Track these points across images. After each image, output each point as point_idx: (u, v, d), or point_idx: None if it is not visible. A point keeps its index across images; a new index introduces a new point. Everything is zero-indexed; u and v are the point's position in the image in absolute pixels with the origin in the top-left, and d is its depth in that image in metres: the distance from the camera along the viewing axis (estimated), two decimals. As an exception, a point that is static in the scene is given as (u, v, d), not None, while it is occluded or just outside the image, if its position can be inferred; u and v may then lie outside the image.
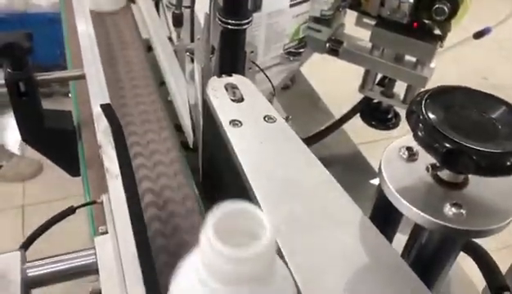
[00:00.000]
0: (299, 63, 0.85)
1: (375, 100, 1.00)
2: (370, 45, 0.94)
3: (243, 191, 0.44)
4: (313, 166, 0.45)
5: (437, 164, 0.38)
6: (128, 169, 0.43)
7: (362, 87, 0.99)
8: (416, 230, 0.40)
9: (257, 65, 0.78)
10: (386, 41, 0.90)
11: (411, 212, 0.37)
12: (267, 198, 0.42)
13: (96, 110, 0.50)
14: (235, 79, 0.54)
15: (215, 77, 0.54)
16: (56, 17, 1.89)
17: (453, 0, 0.81)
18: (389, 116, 1.00)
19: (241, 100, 0.51)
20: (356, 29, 0.99)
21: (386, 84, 0.98)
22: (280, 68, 0.82)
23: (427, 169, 0.39)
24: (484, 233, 0.36)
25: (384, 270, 0.36)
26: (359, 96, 1.01)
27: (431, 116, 0.36)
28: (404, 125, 1.03)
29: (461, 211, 0.36)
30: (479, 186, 0.38)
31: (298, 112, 1.11)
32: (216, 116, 0.50)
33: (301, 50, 0.84)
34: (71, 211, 0.53)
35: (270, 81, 0.77)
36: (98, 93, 0.57)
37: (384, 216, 0.43)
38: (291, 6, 0.77)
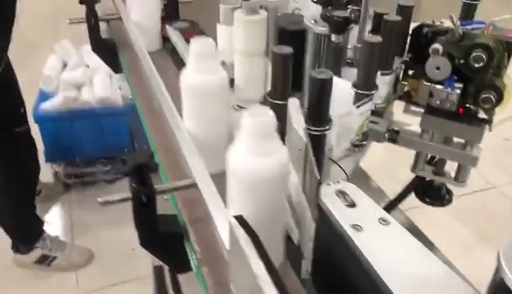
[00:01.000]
0: (362, 154, 0.94)
1: (428, 179, 1.08)
2: (419, 129, 1.04)
3: (374, 289, 0.51)
4: (433, 261, 0.53)
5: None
6: (278, 276, 0.50)
7: (414, 167, 1.07)
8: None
9: (333, 161, 0.87)
10: (435, 126, 0.99)
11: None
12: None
13: (231, 221, 0.57)
14: (343, 185, 0.62)
15: (325, 185, 0.62)
16: (102, 112, 2.04)
17: (497, 89, 0.91)
18: (442, 193, 1.07)
19: (353, 204, 0.59)
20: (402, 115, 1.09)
21: (437, 163, 1.06)
22: (347, 159, 0.91)
23: (545, 264, 0.46)
24: None
25: None
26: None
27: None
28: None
29: None
30: None
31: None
32: (335, 221, 0.57)
33: (364, 142, 0.93)
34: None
35: (345, 172, 0.86)
36: (215, 203, 0.66)
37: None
38: (357, 107, 0.87)
